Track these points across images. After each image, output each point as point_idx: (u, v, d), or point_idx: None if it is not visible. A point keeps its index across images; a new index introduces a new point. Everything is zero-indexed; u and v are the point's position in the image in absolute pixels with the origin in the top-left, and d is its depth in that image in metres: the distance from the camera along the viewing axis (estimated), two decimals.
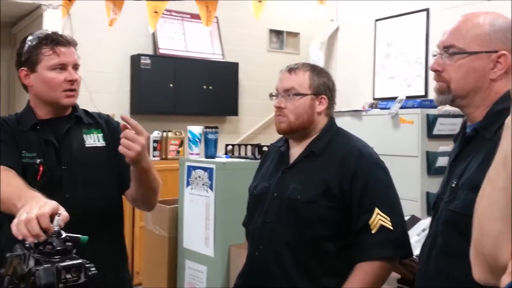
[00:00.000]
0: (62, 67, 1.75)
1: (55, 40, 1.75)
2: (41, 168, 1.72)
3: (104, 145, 1.85)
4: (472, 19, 1.41)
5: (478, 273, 0.93)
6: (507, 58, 1.37)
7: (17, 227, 1.20)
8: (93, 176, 1.80)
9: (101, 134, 1.86)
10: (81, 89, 1.84)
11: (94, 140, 1.84)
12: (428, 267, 1.44)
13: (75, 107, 1.86)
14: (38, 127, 1.78)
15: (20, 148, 1.74)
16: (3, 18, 4.96)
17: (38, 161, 1.73)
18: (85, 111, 1.91)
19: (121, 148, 1.58)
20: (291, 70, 1.88)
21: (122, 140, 1.57)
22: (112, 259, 1.79)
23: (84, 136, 1.83)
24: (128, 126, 1.58)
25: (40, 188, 1.51)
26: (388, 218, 1.73)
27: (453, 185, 1.39)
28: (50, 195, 1.40)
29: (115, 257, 1.84)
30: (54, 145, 1.77)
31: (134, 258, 4.37)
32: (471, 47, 1.39)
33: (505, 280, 0.81)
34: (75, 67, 1.79)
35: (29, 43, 1.76)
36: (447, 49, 1.42)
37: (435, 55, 1.46)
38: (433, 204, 1.53)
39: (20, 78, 1.81)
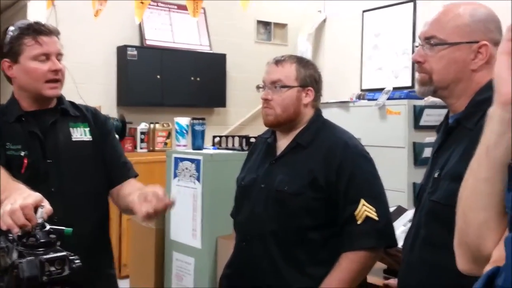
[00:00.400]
0: (46, 56, 1.72)
1: (37, 30, 1.72)
2: (25, 161, 1.70)
3: (91, 139, 1.83)
4: (453, 10, 1.41)
5: (462, 263, 0.94)
6: (487, 48, 1.37)
7: (2, 218, 1.19)
8: (79, 170, 1.79)
9: (88, 128, 1.84)
10: (67, 81, 1.82)
11: (80, 134, 1.82)
12: (411, 257, 1.45)
13: (61, 99, 1.83)
14: (23, 119, 1.76)
15: (5, 140, 1.71)
16: None
17: (22, 153, 1.71)
18: (72, 103, 1.88)
19: (149, 211, 1.55)
20: (277, 62, 1.88)
21: (156, 208, 1.54)
22: (97, 253, 1.78)
23: (71, 129, 1.81)
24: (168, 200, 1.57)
25: (25, 181, 1.49)
26: (374, 209, 1.75)
27: (436, 176, 1.40)
28: (35, 188, 1.38)
29: (99, 251, 1.83)
30: (39, 138, 1.74)
31: (121, 250, 4.36)
32: (452, 38, 1.39)
33: (488, 269, 0.82)
34: (59, 56, 1.76)
35: (11, 33, 1.73)
36: (428, 40, 1.42)
37: (417, 46, 1.46)
38: (416, 195, 1.55)
39: (3, 69, 1.78)
